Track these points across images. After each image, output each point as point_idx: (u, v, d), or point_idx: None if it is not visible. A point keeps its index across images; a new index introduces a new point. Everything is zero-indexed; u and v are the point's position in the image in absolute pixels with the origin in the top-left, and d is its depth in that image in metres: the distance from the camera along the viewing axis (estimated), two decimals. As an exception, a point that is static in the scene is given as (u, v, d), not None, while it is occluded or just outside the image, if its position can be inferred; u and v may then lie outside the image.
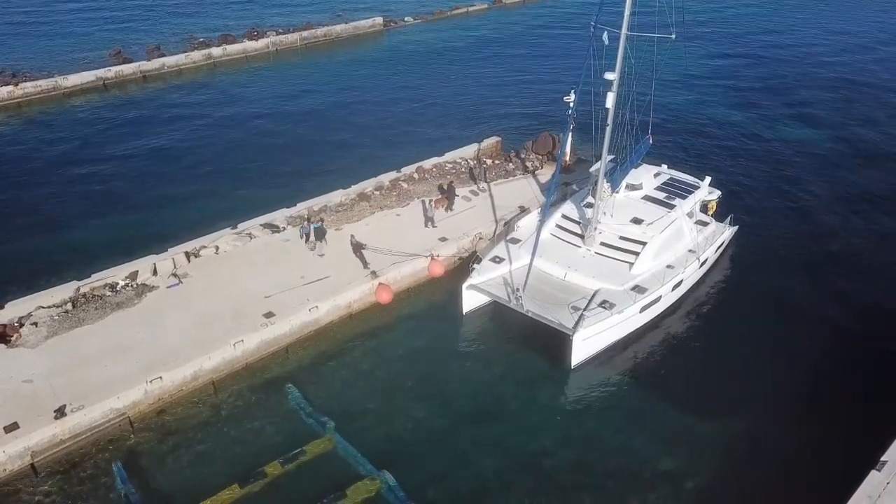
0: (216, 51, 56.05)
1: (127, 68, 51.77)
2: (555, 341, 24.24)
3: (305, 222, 29.58)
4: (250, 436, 21.50)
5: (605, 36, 24.13)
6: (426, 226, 30.93)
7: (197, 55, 55.14)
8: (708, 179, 31.39)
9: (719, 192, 31.82)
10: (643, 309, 25.25)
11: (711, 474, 20.53)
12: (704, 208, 30.91)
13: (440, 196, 32.79)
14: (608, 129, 25.54)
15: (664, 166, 32.26)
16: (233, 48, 56.94)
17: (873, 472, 18.59)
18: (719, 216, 30.90)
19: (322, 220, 29.93)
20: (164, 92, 50.18)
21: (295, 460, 20.26)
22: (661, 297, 25.83)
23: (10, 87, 46.75)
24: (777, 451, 21.13)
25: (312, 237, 28.85)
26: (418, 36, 65.05)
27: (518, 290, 24.49)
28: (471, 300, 26.71)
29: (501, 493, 19.87)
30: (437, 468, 20.55)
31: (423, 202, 31.89)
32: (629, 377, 24.42)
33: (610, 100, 24.90)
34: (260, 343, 24.45)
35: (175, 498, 19.40)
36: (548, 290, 25.47)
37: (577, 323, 23.53)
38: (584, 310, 24.11)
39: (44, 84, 48.04)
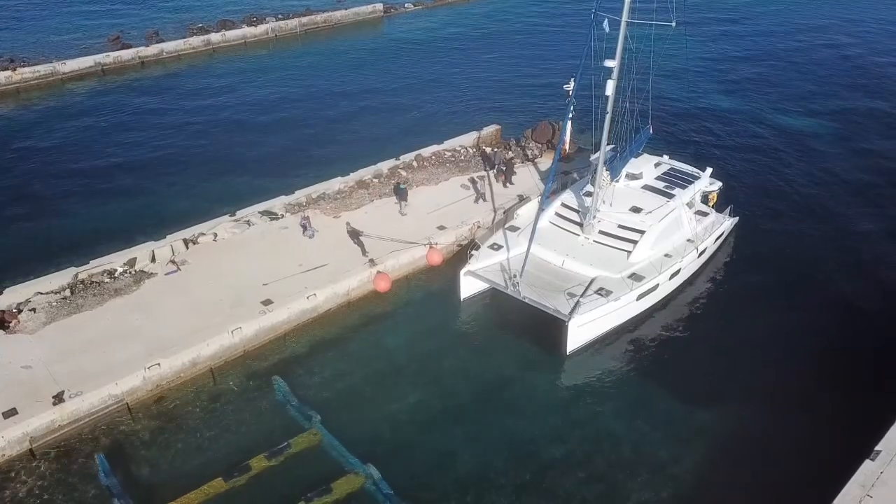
0: (215, 37, 55.71)
1: (125, 54, 51.46)
2: (551, 328, 24.30)
3: (304, 212, 29.53)
4: (240, 428, 21.39)
5: (605, 23, 24.04)
6: (476, 202, 32.02)
7: (196, 41, 54.81)
8: (709, 171, 31.36)
9: (720, 184, 31.76)
10: (640, 297, 25.30)
11: (706, 462, 20.64)
12: (705, 199, 30.89)
13: (499, 172, 33.74)
14: (608, 118, 25.49)
15: (666, 156, 32.22)
16: (232, 34, 56.58)
17: (867, 462, 18.68)
18: (720, 207, 30.87)
19: (406, 181, 31.62)
20: (163, 78, 49.94)
21: (280, 454, 20.10)
22: (658, 285, 25.87)
23: (8, 73, 46.52)
24: (772, 440, 21.20)
25: (310, 228, 29.01)
26: (418, 23, 64.70)
27: (515, 276, 24.55)
28: (469, 286, 26.77)
29: (490, 484, 19.82)
30: (426, 460, 20.49)
31: (473, 177, 33.42)
32: (625, 364, 24.48)
33: (609, 87, 24.84)
34: (258, 330, 24.49)
35: (159, 491, 19.24)
36: (545, 277, 25.53)
37: (572, 309, 23.61)
38: (581, 297, 24.19)
39: (42, 69, 47.78)
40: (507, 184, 33.43)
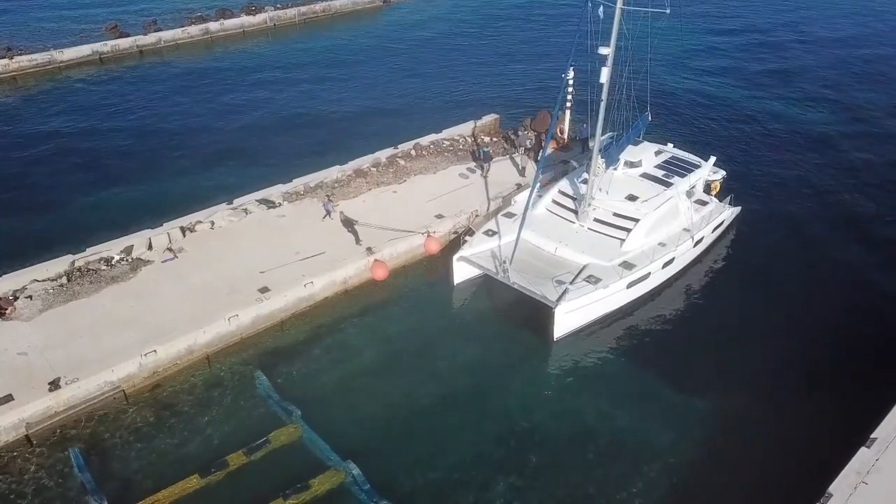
0: (213, 25, 55.45)
1: (123, 42, 51.25)
2: (540, 315, 24.32)
3: (325, 198, 29.76)
4: (222, 423, 21.13)
5: (600, 10, 23.90)
6: (522, 175, 33.46)
7: (194, 30, 54.56)
8: (712, 159, 31.16)
9: (724, 173, 31.60)
10: (630, 285, 25.28)
11: (698, 450, 20.66)
12: (708, 188, 30.75)
13: (527, 152, 34.73)
14: (602, 105, 25.40)
15: (670, 145, 32.09)
16: (230, 23, 56.31)
17: (862, 449, 18.74)
18: (723, 196, 30.73)
19: (488, 145, 33.44)
20: (161, 67, 49.74)
21: (259, 450, 19.85)
22: (650, 273, 25.84)
23: (5, 61, 46.34)
24: (767, 428, 21.22)
25: (332, 211, 29.16)
26: (417, 12, 64.33)
27: (506, 262, 24.60)
28: (461, 272, 26.82)
29: (473, 479, 19.64)
30: (408, 454, 20.28)
31: (513, 158, 34.85)
32: (614, 352, 24.49)
33: (604, 75, 24.72)
34: (255, 318, 24.49)
35: (135, 486, 19.05)
36: (537, 264, 25.59)
37: (560, 296, 23.62)
38: (569, 284, 24.20)
39: (39, 58, 47.60)
40: (536, 160, 33.83)
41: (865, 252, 30.19)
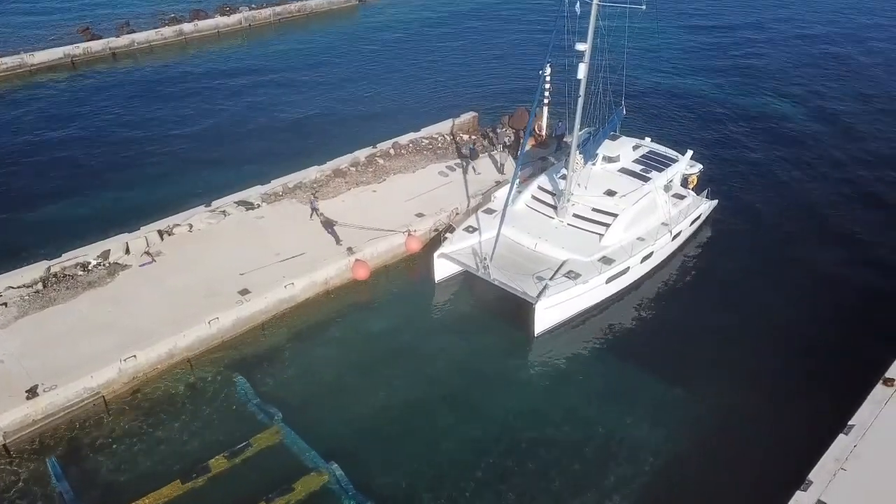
0: (187, 27, 54.84)
1: (96, 45, 50.48)
2: (521, 311, 24.40)
3: (311, 197, 29.66)
4: (202, 428, 20.90)
5: (577, 6, 24.03)
6: (501, 172, 33.70)
7: (168, 31, 53.90)
8: (689, 153, 31.47)
9: (701, 166, 31.92)
10: (610, 280, 25.45)
11: (680, 442, 20.84)
12: (685, 182, 31.03)
13: (504, 148, 34.78)
14: (580, 101, 25.53)
15: (648, 139, 32.32)
16: (204, 24, 55.73)
17: (841, 436, 19.03)
18: (700, 190, 31.04)
19: (475, 142, 33.64)
20: (134, 69, 49.09)
21: (241, 454, 19.71)
22: (629, 268, 26.04)
23: (-26, 65, 45.55)
24: (746, 418, 21.44)
25: (318, 210, 29.04)
26: (393, 11, 64.16)
27: (486, 258, 24.69)
28: (442, 269, 26.86)
29: (457, 479, 19.57)
30: (392, 455, 20.20)
31: (492, 155, 34.92)
32: (595, 346, 24.62)
33: (581, 71, 24.85)
34: (235, 320, 24.29)
35: (116, 494, 18.78)
36: (517, 260, 25.70)
37: (540, 292, 23.73)
38: (549, 279, 24.32)
39: (9, 61, 46.73)
40: (514, 158, 33.83)
41: (841, 244, 30.62)
